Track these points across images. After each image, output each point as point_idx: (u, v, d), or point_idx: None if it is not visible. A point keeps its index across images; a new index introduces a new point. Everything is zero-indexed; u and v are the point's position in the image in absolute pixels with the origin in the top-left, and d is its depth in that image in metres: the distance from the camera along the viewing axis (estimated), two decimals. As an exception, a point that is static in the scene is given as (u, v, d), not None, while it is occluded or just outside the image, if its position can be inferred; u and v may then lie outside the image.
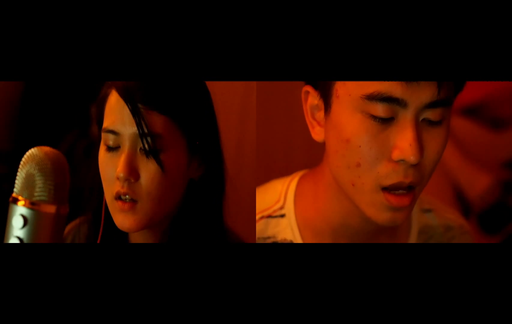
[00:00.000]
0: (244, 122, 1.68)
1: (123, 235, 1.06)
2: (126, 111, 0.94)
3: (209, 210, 1.03)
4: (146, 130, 0.93)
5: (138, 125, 0.93)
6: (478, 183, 1.70)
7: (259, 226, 1.02)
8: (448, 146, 1.65)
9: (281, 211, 1.02)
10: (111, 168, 0.96)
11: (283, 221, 1.02)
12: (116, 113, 0.95)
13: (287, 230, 1.01)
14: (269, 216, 1.03)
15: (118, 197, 0.95)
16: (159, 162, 0.94)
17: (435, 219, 1.08)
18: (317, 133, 0.94)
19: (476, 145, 1.70)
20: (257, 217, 1.03)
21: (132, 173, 0.94)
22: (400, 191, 0.87)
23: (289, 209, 1.02)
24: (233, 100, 1.66)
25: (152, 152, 0.94)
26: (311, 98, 0.94)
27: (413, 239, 1.05)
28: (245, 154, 1.65)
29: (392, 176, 0.86)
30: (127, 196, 0.94)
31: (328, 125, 0.91)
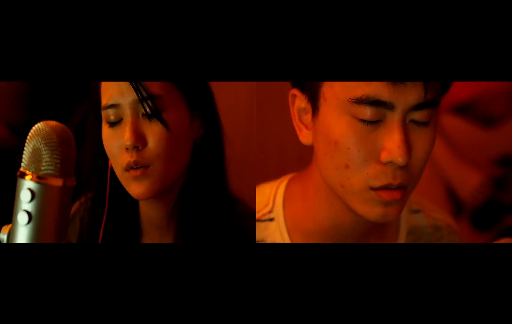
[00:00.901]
0: (245, 123, 1.69)
1: (132, 207, 1.08)
2: (122, 82, 0.96)
3: (214, 171, 1.06)
4: (145, 94, 0.95)
5: (137, 90, 0.95)
6: (470, 181, 1.70)
7: (248, 230, 1.03)
8: (439, 145, 1.67)
9: (270, 215, 1.02)
10: (116, 141, 0.98)
11: (272, 224, 1.02)
12: (113, 87, 0.97)
13: (276, 234, 1.01)
14: (258, 220, 1.03)
15: (129, 168, 0.97)
16: (163, 121, 0.96)
17: (424, 219, 1.08)
18: (305, 136, 0.94)
19: (467, 142, 1.70)
20: (247, 221, 1.03)
21: (139, 139, 0.96)
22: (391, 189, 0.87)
23: (278, 212, 1.02)
24: (233, 101, 1.67)
25: (155, 114, 0.96)
26: (298, 101, 0.94)
27: (402, 240, 1.05)
28: (246, 154, 1.66)
29: (381, 177, 0.86)
30: (138, 165, 0.96)
31: (316, 128, 0.91)
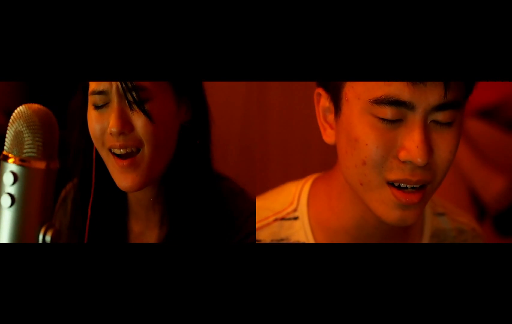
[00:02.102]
0: (247, 123, 1.70)
1: (119, 193, 1.07)
2: None
3: (199, 152, 1.07)
4: (130, 85, 0.96)
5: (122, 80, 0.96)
6: (493, 185, 1.69)
7: (272, 228, 1.03)
8: (463, 149, 1.66)
9: (295, 214, 1.03)
10: (101, 124, 0.99)
11: (296, 223, 1.03)
12: None
13: (301, 233, 1.02)
14: (283, 219, 1.03)
15: (110, 149, 0.98)
16: (146, 112, 0.97)
17: (448, 223, 1.08)
18: (328, 136, 0.95)
19: (491, 147, 1.70)
20: (271, 219, 1.04)
21: (125, 125, 0.97)
22: (409, 189, 0.87)
23: (303, 211, 1.03)
24: (236, 103, 1.68)
25: (138, 104, 0.97)
26: (323, 100, 0.95)
27: (425, 242, 1.05)
28: (248, 157, 1.67)
29: (397, 172, 0.86)
30: (121, 150, 0.98)
31: (339, 127, 0.92)
